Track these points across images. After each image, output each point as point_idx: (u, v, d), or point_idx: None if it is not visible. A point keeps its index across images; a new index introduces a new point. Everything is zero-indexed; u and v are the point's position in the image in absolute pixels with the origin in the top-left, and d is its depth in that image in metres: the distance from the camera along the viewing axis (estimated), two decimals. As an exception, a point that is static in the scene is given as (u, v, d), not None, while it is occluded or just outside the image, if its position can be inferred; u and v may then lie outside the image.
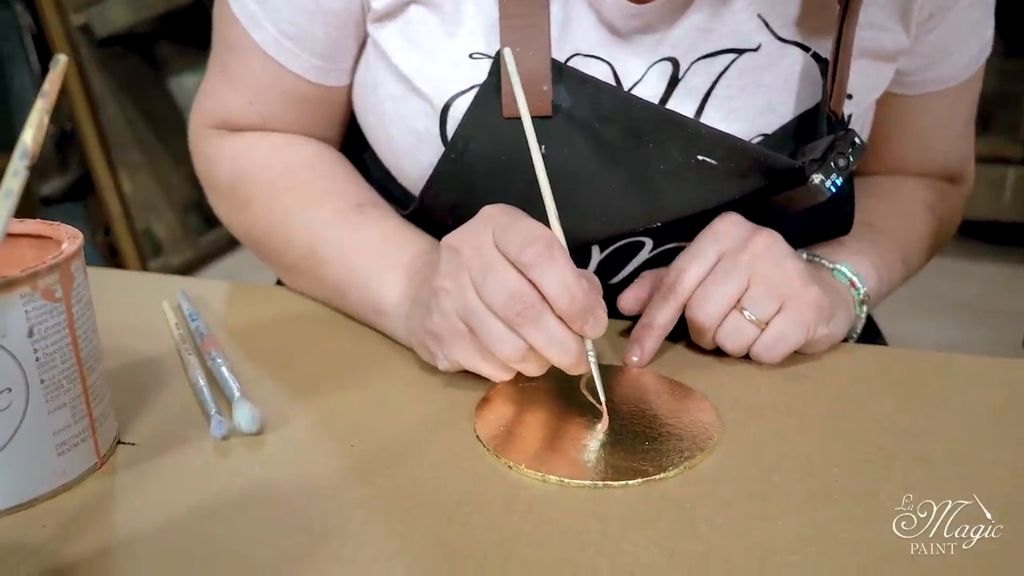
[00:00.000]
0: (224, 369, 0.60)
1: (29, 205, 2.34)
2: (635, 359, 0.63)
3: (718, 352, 0.64)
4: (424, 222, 0.70)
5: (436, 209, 0.68)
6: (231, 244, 3.05)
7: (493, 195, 0.62)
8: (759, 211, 0.67)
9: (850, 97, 0.67)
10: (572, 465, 0.50)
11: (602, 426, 0.54)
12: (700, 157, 0.63)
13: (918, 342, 2.29)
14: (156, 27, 2.79)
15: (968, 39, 0.72)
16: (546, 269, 0.51)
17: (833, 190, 0.63)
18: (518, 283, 0.51)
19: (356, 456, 0.52)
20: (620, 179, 0.64)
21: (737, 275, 0.61)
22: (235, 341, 0.67)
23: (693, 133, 0.62)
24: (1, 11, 2.37)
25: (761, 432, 0.55)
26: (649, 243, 0.70)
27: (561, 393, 0.58)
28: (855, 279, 0.68)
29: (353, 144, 0.79)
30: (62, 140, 2.54)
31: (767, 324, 0.61)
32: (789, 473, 0.50)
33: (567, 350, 0.52)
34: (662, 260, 0.71)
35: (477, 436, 0.54)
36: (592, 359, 0.54)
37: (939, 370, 0.64)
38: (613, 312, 0.66)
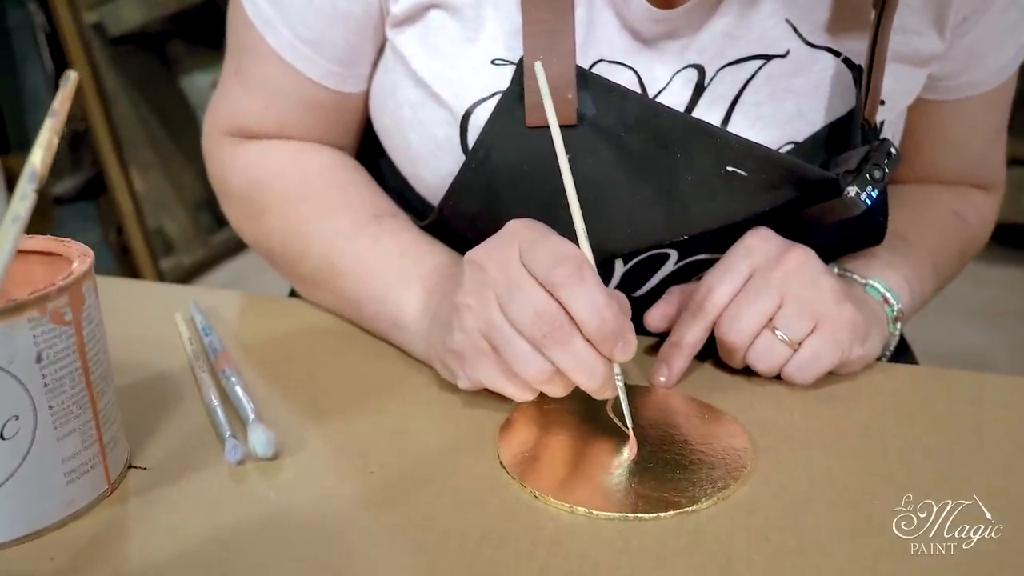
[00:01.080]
0: (238, 389, 0.58)
1: (42, 205, 2.33)
2: (662, 379, 0.61)
3: (747, 371, 0.62)
4: (443, 234, 0.68)
5: (455, 219, 0.67)
6: (243, 243, 3.04)
7: (515, 206, 0.60)
8: (789, 222, 0.65)
9: (883, 103, 0.65)
10: (600, 495, 0.48)
11: (630, 453, 0.52)
12: (730, 168, 0.61)
13: (938, 346, 2.26)
14: (168, 26, 2.79)
15: (1003, 43, 0.69)
16: (576, 290, 0.49)
17: (869, 203, 0.61)
18: (546, 303, 0.49)
19: (376, 483, 0.51)
20: (646, 190, 0.62)
21: (769, 293, 0.59)
22: (249, 356, 0.65)
23: (722, 143, 0.60)
24: (14, 10, 2.37)
25: (794, 458, 0.53)
26: (674, 255, 0.68)
27: (587, 416, 0.56)
28: (888, 295, 0.66)
29: (368, 151, 0.77)
30: (75, 139, 2.54)
31: (800, 344, 0.59)
32: (824, 503, 0.48)
33: (594, 373, 0.50)
34: (688, 272, 0.69)
35: (501, 462, 0.52)
36: (620, 384, 0.52)
37: (973, 390, 0.62)
38: (638, 327, 0.65)
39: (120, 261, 2.64)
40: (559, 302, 0.49)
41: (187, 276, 2.79)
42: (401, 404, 0.59)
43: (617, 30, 0.61)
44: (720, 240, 0.65)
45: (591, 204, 0.60)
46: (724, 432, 0.54)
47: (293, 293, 0.91)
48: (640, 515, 0.47)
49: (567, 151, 0.58)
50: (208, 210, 2.93)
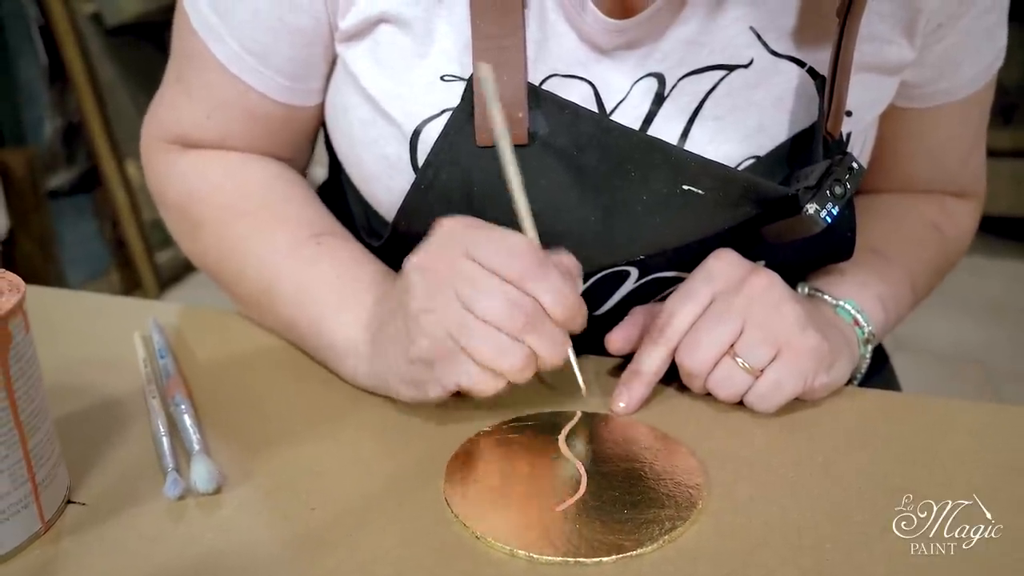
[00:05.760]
0: (186, 417, 0.57)
1: (38, 199, 2.32)
2: (622, 406, 0.59)
3: (710, 396, 0.60)
4: (398, 254, 0.67)
5: (410, 240, 0.65)
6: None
7: None
8: (750, 240, 0.64)
9: (849, 114, 0.63)
10: (543, 537, 0.47)
11: (580, 490, 0.51)
12: (686, 187, 0.59)
13: (936, 342, 2.24)
14: (168, 16, 2.76)
15: (980, 48, 0.67)
16: (542, 283, 0.51)
17: (829, 220, 0.59)
18: (516, 294, 0.51)
19: (317, 520, 0.49)
20: (601, 211, 0.61)
21: (730, 319, 0.58)
22: (205, 378, 0.64)
23: (677, 161, 0.59)
24: (7, 2, 2.35)
25: (750, 495, 0.51)
26: (635, 273, 0.66)
27: (539, 449, 0.55)
28: (859, 317, 0.64)
29: (334, 166, 0.76)
30: (69, 133, 2.53)
31: (761, 372, 0.57)
32: (777, 549, 0.47)
33: (562, 351, 0.53)
34: (649, 289, 0.67)
35: (446, 498, 0.50)
36: (570, 350, 0.55)
37: (948, 419, 0.60)
38: (600, 348, 0.63)
39: (116, 256, 2.63)
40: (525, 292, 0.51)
41: (183, 270, 2.78)
42: (355, 431, 0.58)
43: (575, 43, 0.60)
44: (681, 258, 0.64)
45: (545, 225, 0.59)
46: (678, 467, 0.53)
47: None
48: (582, 560, 0.45)
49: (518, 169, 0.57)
50: (208, 201, 2.91)
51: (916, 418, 0.59)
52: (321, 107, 0.69)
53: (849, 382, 0.64)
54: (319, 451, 0.56)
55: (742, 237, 0.63)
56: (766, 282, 0.59)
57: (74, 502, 0.51)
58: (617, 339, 0.63)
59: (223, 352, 0.68)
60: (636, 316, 0.64)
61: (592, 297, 0.67)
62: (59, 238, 2.46)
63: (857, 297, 0.65)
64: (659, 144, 0.59)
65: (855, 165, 0.59)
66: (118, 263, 2.63)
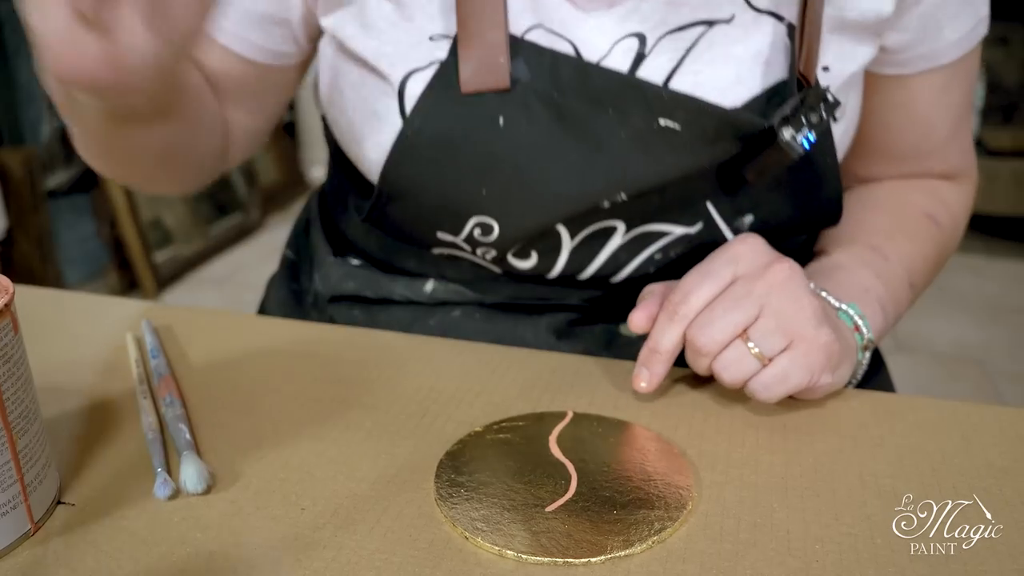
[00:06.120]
0: (177, 418, 0.57)
1: (36, 199, 2.33)
2: (643, 385, 0.60)
3: (701, 397, 0.60)
4: (388, 206, 0.68)
5: (396, 199, 0.67)
6: (242, 233, 3.03)
7: (450, 174, 0.62)
8: (735, 185, 0.65)
9: (826, 70, 0.65)
10: (532, 537, 0.47)
11: (570, 490, 0.51)
12: (663, 122, 0.61)
13: (935, 342, 2.24)
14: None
15: (960, 12, 0.68)
16: None
17: (806, 146, 0.60)
18: None
19: (306, 521, 0.49)
20: (581, 150, 0.63)
21: (748, 304, 0.57)
22: (197, 379, 0.64)
23: (653, 96, 0.61)
24: (5, 1, 2.35)
25: (739, 497, 0.51)
26: (621, 227, 0.67)
27: (529, 449, 0.54)
28: (860, 323, 0.64)
29: (337, 167, 0.78)
30: (67, 133, 2.53)
31: (770, 360, 0.57)
32: (765, 550, 0.47)
33: None
34: (638, 244, 0.68)
35: (435, 499, 0.50)
36: None
37: (945, 420, 0.60)
38: (588, 308, 0.64)
39: (114, 255, 2.63)
40: None
41: (182, 269, 2.78)
42: (345, 431, 0.58)
43: (558, 2, 0.62)
44: (664, 207, 0.65)
45: (528, 167, 0.62)
46: (669, 468, 0.53)
47: (263, 307, 0.90)
48: (570, 560, 0.45)
49: (501, 114, 0.61)
50: (207, 200, 2.92)
51: (912, 419, 0.59)
52: (277, 75, 0.73)
53: (845, 387, 0.64)
54: (309, 451, 0.55)
55: (725, 180, 0.64)
56: (788, 272, 0.58)
57: (64, 503, 0.51)
58: (640, 318, 0.62)
59: (215, 353, 0.68)
60: (655, 295, 0.63)
61: (581, 256, 0.68)
62: (57, 238, 2.46)
63: (859, 301, 0.65)
64: (635, 81, 0.62)
65: (829, 96, 0.60)
66: (116, 263, 2.64)
